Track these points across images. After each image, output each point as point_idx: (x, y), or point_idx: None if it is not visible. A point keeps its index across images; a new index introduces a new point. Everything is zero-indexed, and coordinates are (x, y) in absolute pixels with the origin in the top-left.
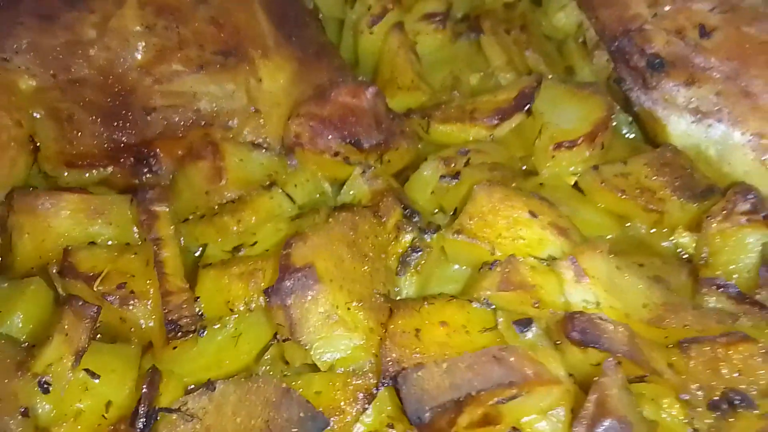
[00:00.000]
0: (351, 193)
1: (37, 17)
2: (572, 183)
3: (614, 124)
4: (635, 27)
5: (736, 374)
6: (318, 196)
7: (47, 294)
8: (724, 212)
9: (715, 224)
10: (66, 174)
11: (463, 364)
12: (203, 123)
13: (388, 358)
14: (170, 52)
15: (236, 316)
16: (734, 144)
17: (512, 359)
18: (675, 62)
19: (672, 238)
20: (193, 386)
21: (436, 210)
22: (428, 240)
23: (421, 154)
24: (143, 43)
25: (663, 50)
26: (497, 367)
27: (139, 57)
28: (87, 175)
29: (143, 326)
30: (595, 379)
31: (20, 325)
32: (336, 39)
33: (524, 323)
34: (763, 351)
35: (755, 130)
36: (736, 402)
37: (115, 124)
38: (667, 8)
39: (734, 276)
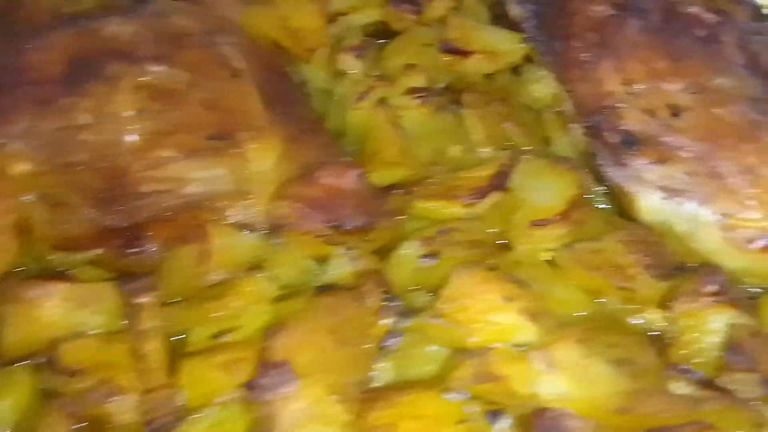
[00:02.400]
0: (333, 272)
1: (35, 102)
2: (547, 258)
3: (590, 197)
4: (609, 104)
5: None
6: (301, 274)
7: (32, 383)
8: (692, 293)
9: (682, 304)
10: (55, 256)
11: None
12: (192, 206)
13: None
14: (163, 137)
15: (217, 407)
16: (703, 222)
17: None
18: (647, 140)
19: (642, 314)
20: None
21: (417, 287)
22: (408, 324)
23: (400, 229)
24: (136, 127)
25: (635, 128)
26: None
27: (131, 141)
28: (76, 257)
29: (123, 422)
30: None
31: (6, 415)
32: (322, 108)
33: (495, 414)
34: None
35: (723, 210)
36: None
37: (107, 208)
38: (640, 87)
39: (701, 354)
